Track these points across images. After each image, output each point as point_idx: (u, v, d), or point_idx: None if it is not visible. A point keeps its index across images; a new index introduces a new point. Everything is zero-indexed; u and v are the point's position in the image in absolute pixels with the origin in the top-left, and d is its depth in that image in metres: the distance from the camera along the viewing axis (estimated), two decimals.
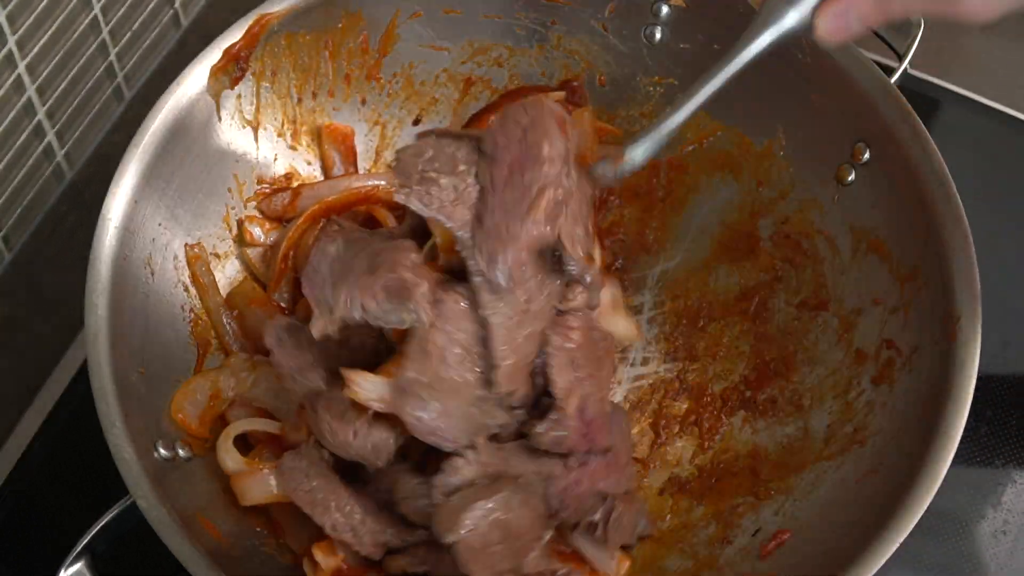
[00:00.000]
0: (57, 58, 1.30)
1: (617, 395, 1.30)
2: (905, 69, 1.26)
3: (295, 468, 1.09)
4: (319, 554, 1.09)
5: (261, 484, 1.10)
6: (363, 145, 1.36)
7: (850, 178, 1.24)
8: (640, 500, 1.17)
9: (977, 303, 1.08)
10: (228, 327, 1.22)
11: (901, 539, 0.98)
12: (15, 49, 1.23)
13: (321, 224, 1.26)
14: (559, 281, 1.06)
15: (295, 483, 1.08)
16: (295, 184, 1.30)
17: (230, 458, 1.12)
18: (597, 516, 1.12)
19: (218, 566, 0.97)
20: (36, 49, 1.26)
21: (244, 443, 1.15)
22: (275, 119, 1.29)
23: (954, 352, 1.07)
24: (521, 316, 1.04)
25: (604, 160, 1.08)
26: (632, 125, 1.36)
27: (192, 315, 1.20)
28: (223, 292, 1.24)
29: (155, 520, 0.97)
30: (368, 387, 1.02)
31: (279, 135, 1.30)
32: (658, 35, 1.34)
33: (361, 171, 1.35)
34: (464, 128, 1.37)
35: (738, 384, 1.27)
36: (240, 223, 1.27)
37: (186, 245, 1.20)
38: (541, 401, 1.09)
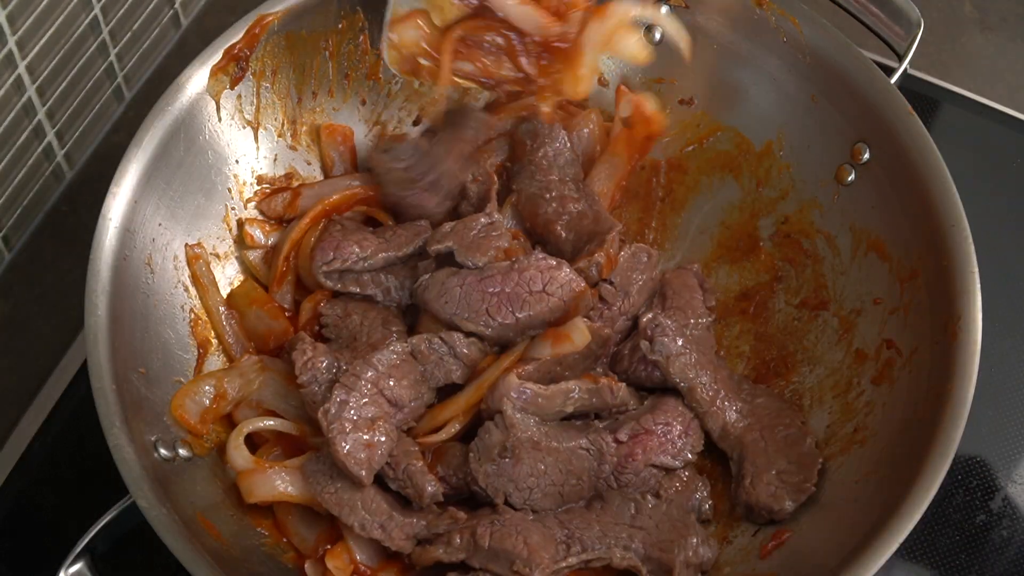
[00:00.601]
0: (57, 58, 1.30)
1: None
2: (905, 69, 1.26)
3: (318, 471, 1.10)
4: (332, 562, 1.09)
5: (267, 482, 1.10)
6: (363, 145, 1.36)
7: (850, 178, 1.25)
8: (700, 480, 1.18)
9: (977, 303, 1.08)
10: (228, 327, 1.22)
11: (901, 539, 0.98)
12: (15, 49, 1.23)
13: (322, 224, 1.26)
14: None
15: (320, 486, 1.09)
16: (295, 184, 1.30)
17: (240, 455, 1.12)
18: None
19: (218, 566, 0.97)
20: (36, 49, 1.26)
21: (249, 443, 1.14)
22: (275, 119, 1.29)
23: (954, 352, 1.07)
24: None
25: None
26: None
27: (192, 315, 1.20)
28: (223, 292, 1.24)
29: (155, 520, 0.97)
30: None
31: (279, 135, 1.29)
32: (657, 35, 1.34)
33: (360, 171, 1.35)
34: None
35: None
36: (240, 225, 1.26)
37: (186, 245, 1.20)
38: None
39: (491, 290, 1.16)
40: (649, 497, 1.13)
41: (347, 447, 1.07)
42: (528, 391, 1.12)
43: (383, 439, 1.09)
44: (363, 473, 1.07)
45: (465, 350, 1.15)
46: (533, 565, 1.05)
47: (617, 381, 1.17)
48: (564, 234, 1.24)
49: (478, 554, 1.06)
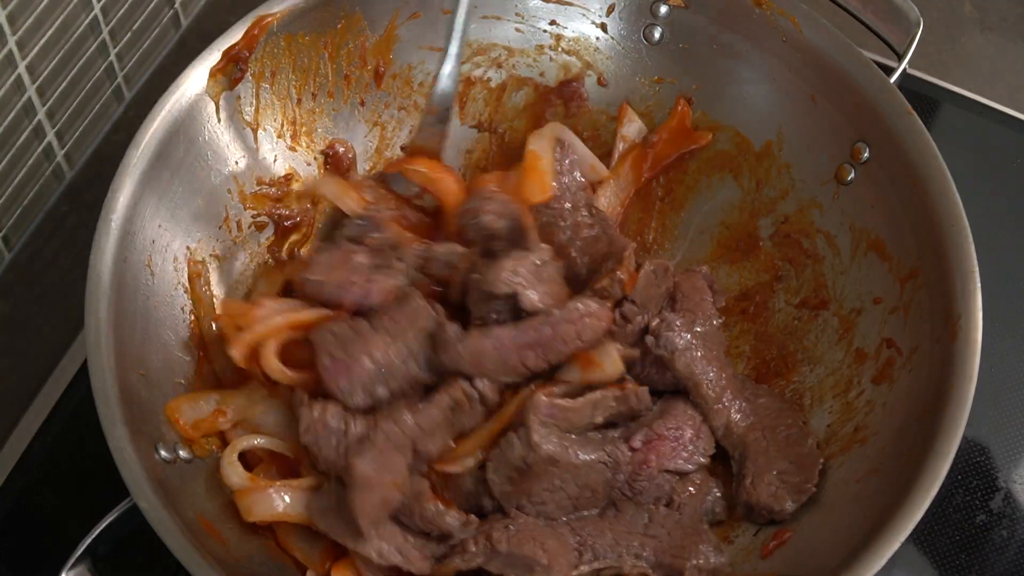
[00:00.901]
0: (57, 58, 1.30)
1: None
2: (904, 68, 1.26)
3: (325, 508, 1.08)
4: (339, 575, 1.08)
5: (266, 501, 1.09)
6: (362, 146, 1.35)
7: (850, 177, 1.25)
8: (713, 482, 1.17)
9: (977, 302, 1.08)
10: (218, 349, 1.20)
11: (902, 539, 0.98)
12: (15, 49, 1.22)
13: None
14: None
15: (329, 521, 1.07)
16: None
17: (234, 472, 1.11)
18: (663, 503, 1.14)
19: (219, 568, 0.97)
20: (36, 49, 1.26)
21: (244, 463, 1.13)
22: (275, 120, 1.28)
23: (954, 351, 1.07)
24: None
25: None
26: None
27: (192, 317, 1.20)
28: (224, 290, 1.24)
29: (156, 522, 0.97)
30: None
31: (279, 136, 1.29)
32: (657, 35, 1.34)
33: (361, 170, 1.35)
34: None
35: None
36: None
37: (189, 261, 1.20)
38: None
39: (524, 344, 1.13)
40: (662, 507, 1.13)
41: (367, 506, 1.05)
42: (557, 405, 1.11)
43: (398, 496, 1.07)
44: (372, 532, 1.06)
45: (491, 395, 1.13)
46: (554, 571, 1.04)
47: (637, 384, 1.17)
48: (579, 258, 1.24)
49: (496, 559, 1.06)
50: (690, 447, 1.16)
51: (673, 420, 1.16)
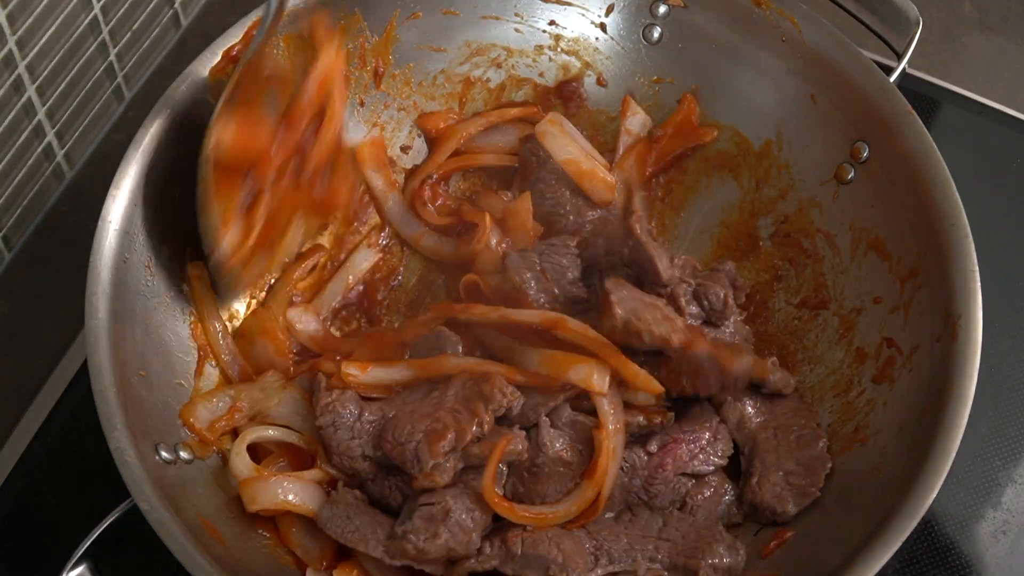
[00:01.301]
0: (57, 58, 1.30)
1: None
2: (904, 68, 1.26)
3: (335, 515, 1.08)
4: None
5: (270, 490, 1.09)
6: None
7: (849, 177, 1.25)
8: (728, 484, 1.17)
9: (977, 302, 1.08)
10: (224, 345, 1.21)
11: (903, 539, 0.98)
12: (15, 49, 1.22)
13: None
14: None
15: (340, 527, 1.08)
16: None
17: (241, 462, 1.11)
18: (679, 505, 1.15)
19: (220, 568, 0.97)
20: (36, 49, 1.26)
21: (253, 456, 1.14)
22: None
23: (955, 351, 1.07)
24: None
25: None
26: None
27: (192, 317, 1.19)
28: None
29: (156, 523, 0.97)
30: None
31: None
32: (656, 34, 1.34)
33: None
34: None
35: None
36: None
37: (188, 263, 1.20)
38: None
39: None
40: (676, 512, 1.13)
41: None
42: (579, 421, 1.12)
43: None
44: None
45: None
46: (570, 570, 1.04)
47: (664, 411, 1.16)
48: (593, 240, 1.23)
49: (511, 561, 1.05)
50: (708, 449, 1.16)
51: (690, 423, 1.16)
